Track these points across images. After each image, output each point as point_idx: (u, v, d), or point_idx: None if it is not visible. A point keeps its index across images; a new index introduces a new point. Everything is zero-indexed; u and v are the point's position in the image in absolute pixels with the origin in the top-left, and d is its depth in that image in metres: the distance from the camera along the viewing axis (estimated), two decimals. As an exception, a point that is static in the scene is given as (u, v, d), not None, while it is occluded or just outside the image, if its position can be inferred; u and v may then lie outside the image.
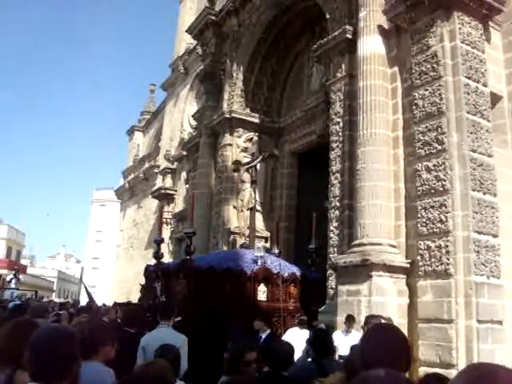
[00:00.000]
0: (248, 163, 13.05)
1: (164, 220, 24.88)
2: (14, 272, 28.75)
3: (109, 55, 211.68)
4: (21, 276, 32.04)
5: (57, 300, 31.66)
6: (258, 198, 15.94)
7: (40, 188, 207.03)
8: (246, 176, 12.71)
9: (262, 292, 9.94)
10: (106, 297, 28.87)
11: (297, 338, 8.92)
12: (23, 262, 58.55)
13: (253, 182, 12.47)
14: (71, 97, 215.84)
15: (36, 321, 3.89)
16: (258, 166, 15.93)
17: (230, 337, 7.22)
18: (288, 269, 10.77)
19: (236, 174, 15.23)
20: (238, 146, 15.71)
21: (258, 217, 15.79)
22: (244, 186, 12.93)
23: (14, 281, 27.07)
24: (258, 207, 15.93)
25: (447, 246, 8.25)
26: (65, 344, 2.19)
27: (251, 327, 8.22)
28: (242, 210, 13.90)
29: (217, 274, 9.84)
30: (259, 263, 10.27)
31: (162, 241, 11.91)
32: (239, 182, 14.18)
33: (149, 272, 11.47)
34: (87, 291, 14.12)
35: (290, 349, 4.41)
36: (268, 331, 8.15)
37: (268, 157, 14.12)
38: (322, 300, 10.43)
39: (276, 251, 12.41)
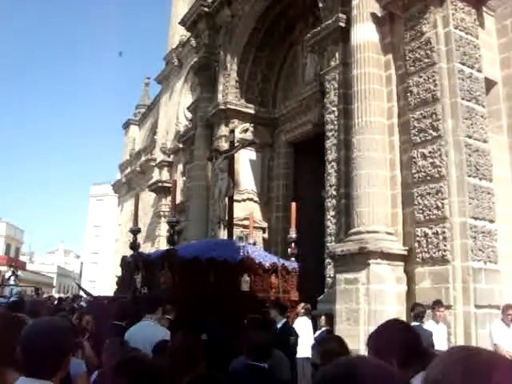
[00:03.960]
0: (226, 152, 12.90)
1: (162, 213, 24.91)
2: (12, 269, 28.81)
3: (103, 49, 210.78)
4: (20, 272, 32.06)
5: (56, 295, 31.73)
6: (254, 188, 15.96)
7: (38, 184, 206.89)
8: (225, 165, 12.58)
9: (245, 282, 9.79)
10: (106, 291, 28.90)
11: (306, 327, 9.05)
12: (22, 258, 58.61)
13: (230, 171, 12.33)
14: (66, 92, 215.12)
15: (23, 317, 3.87)
16: (255, 157, 15.93)
17: (206, 329, 7.17)
18: (269, 259, 10.68)
19: (210, 162, 15.20)
20: (233, 137, 15.70)
21: (256, 207, 15.82)
22: (222, 175, 12.84)
23: (12, 278, 27.13)
24: (256, 198, 15.95)
25: (444, 233, 8.28)
26: (56, 337, 2.13)
27: (233, 319, 8.11)
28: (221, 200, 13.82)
29: (201, 264, 9.51)
30: (241, 253, 10.16)
31: (139, 231, 11.69)
32: (217, 170, 14.14)
33: (126, 263, 11.06)
34: (85, 291, 14.11)
35: None
36: (283, 320, 8.15)
37: (247, 145, 13.96)
38: (302, 289, 10.46)
39: (251, 241, 12.32)
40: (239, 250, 10.12)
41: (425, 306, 7.65)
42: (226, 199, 12.44)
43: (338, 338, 4.12)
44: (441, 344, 7.09)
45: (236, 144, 12.89)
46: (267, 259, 10.52)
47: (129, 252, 11.58)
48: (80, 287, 13.01)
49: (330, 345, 3.53)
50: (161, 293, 8.78)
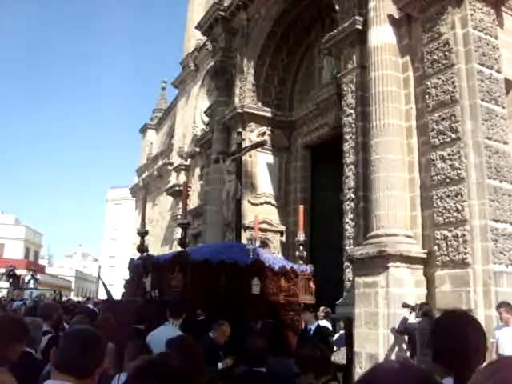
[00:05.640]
0: (234, 153, 12.84)
1: (179, 217, 24.99)
2: (31, 273, 29.22)
3: (119, 55, 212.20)
4: (39, 276, 32.43)
5: (75, 299, 31.99)
6: (272, 192, 15.96)
7: (56, 188, 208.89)
8: (233, 167, 12.50)
9: (255, 285, 9.71)
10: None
11: None
12: (41, 262, 59.22)
13: (238, 173, 12.24)
14: (84, 97, 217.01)
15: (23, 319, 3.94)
16: (272, 160, 15.91)
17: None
18: (278, 262, 10.61)
19: (217, 164, 15.22)
20: (250, 141, 15.69)
21: (273, 211, 15.82)
22: (230, 177, 12.75)
23: (32, 281, 27.49)
24: (273, 201, 15.95)
25: (464, 235, 8.18)
26: (96, 347, 2.32)
27: (242, 322, 8.08)
28: (230, 202, 13.73)
29: (212, 267, 9.41)
30: (251, 256, 10.08)
31: (146, 233, 11.66)
32: (225, 172, 14.09)
33: (134, 266, 10.89)
34: (106, 289, 14.13)
35: None
36: (316, 323, 8.40)
37: (256, 147, 13.90)
38: (314, 292, 10.39)
39: (257, 243, 12.27)
40: (249, 252, 10.05)
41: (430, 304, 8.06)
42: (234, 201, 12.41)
43: (315, 344, 4.14)
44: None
45: (244, 146, 12.88)
46: (276, 262, 10.48)
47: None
48: (104, 284, 13.02)
49: (305, 353, 3.55)
50: (175, 296, 8.75)
